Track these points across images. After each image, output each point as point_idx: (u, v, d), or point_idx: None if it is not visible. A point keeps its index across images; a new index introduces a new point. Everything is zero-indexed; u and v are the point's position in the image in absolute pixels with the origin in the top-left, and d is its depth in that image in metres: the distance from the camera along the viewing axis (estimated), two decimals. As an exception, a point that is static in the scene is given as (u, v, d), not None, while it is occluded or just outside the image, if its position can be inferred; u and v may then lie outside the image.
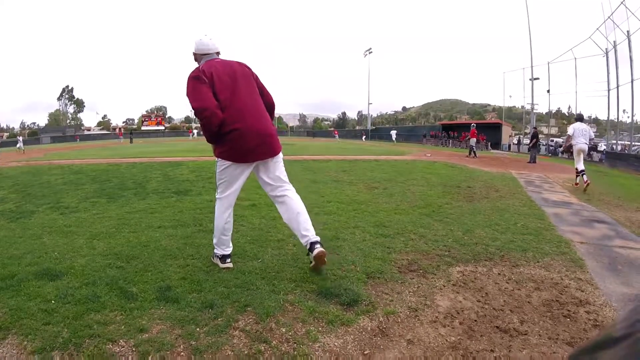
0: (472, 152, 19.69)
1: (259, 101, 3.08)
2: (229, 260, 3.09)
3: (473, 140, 20.39)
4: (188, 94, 2.88)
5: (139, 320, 2.25)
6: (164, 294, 2.57)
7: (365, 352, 2.00)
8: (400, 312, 2.40)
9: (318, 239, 2.93)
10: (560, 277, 2.99)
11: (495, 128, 36.81)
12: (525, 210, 5.51)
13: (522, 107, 39.90)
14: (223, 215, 3.05)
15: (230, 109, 2.91)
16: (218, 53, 3.14)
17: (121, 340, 2.05)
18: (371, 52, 61.09)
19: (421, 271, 3.05)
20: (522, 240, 3.89)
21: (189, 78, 2.89)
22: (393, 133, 44.40)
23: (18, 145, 28.85)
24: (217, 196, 3.12)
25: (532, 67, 30.59)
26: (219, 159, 3.03)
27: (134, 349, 1.99)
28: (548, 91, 30.57)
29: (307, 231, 2.95)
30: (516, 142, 34.14)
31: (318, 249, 2.85)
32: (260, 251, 3.45)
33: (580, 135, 8.96)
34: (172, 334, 2.12)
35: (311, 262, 2.94)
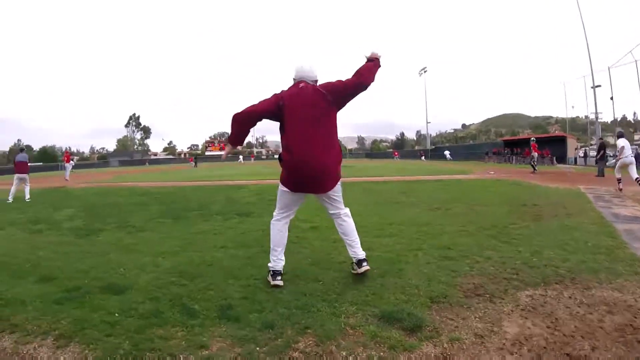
0: (534, 168, 19.03)
1: (321, 136, 3.08)
2: (279, 278, 3.13)
3: (535, 155, 19.53)
4: None
5: (199, 337, 2.27)
6: (225, 313, 2.59)
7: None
8: (465, 338, 2.23)
9: (363, 256, 3.23)
10: (634, 299, 2.69)
11: (560, 141, 34.67)
12: (596, 228, 5.08)
13: (586, 116, 37.21)
14: (277, 231, 3.28)
15: (290, 138, 3.09)
16: (316, 82, 3.26)
17: (181, 356, 2.07)
18: (426, 71, 60.48)
19: (488, 295, 2.84)
20: (594, 261, 3.56)
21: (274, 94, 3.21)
22: (447, 153, 47.11)
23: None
24: (274, 212, 3.34)
25: (592, 73, 28.47)
26: (280, 181, 3.26)
27: (193, 365, 1.99)
28: (611, 98, 28.37)
29: (354, 250, 3.26)
30: (582, 155, 31.83)
31: (364, 267, 3.18)
32: (322, 273, 3.41)
33: (629, 149, 10.11)
34: (232, 352, 2.11)
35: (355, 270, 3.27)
